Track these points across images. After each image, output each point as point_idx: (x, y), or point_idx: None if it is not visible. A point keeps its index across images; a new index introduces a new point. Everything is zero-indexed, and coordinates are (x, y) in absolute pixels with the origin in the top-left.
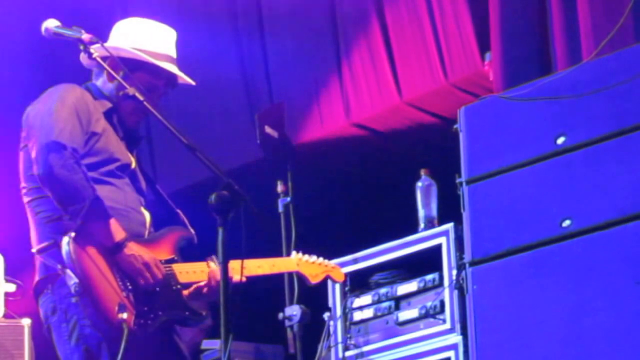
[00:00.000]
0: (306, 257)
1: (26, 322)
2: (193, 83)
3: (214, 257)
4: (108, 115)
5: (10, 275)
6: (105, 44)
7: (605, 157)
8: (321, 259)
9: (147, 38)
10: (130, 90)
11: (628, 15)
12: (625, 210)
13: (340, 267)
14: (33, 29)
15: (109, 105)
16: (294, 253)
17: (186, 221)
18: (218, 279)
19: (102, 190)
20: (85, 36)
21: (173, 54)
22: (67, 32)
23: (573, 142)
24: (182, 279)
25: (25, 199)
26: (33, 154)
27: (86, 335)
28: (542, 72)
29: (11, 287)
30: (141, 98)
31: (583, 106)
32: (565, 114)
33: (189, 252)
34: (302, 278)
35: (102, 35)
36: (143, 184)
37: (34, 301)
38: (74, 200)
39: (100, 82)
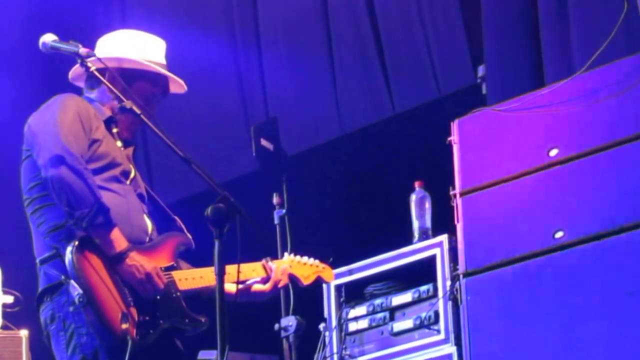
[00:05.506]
0: (298, 258)
1: (24, 333)
2: (186, 88)
3: (268, 258)
4: (107, 124)
5: (7, 287)
6: (103, 56)
7: (597, 169)
8: (312, 259)
9: (144, 47)
10: (128, 104)
11: (619, 28)
12: (616, 221)
13: (331, 268)
14: (31, 41)
15: (108, 113)
16: (286, 254)
17: (184, 228)
18: (279, 277)
19: (104, 197)
20: (82, 50)
21: (165, 62)
22: (64, 47)
23: (565, 154)
24: (182, 286)
25: (28, 211)
26: (40, 161)
27: (83, 344)
28: (535, 85)
29: (9, 299)
30: (138, 112)
31: (575, 119)
32: (557, 126)
33: (186, 259)
34: (295, 280)
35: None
36: (144, 193)
37: (31, 312)
38: (81, 204)
39: (94, 95)
